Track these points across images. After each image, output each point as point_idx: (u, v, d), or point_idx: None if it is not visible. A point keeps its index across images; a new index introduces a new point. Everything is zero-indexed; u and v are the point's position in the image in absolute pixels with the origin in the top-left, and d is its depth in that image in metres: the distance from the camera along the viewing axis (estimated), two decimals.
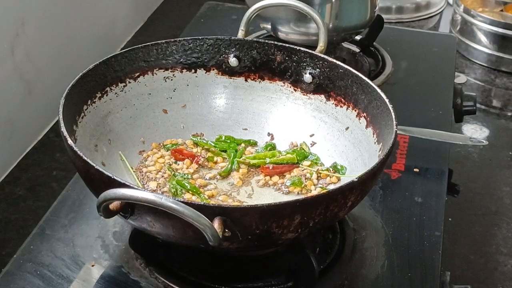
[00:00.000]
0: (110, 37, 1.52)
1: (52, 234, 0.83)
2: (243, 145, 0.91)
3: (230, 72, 0.94)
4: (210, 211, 0.63)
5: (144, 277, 0.78)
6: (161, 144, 0.90)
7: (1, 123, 1.16)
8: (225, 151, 0.90)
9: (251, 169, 0.88)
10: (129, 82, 0.89)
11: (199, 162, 0.88)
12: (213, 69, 0.93)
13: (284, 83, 0.93)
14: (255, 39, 0.94)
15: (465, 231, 1.12)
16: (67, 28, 1.33)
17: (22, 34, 1.18)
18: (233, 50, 0.93)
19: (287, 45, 0.92)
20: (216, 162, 0.89)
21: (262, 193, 0.85)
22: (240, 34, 0.96)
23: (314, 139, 0.91)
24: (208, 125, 0.93)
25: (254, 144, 0.92)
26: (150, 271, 0.78)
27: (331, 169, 0.87)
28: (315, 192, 0.84)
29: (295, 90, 0.93)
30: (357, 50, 1.28)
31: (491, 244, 1.10)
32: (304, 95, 0.92)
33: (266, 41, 0.93)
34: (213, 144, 0.91)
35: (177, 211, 0.60)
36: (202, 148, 0.90)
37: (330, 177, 0.86)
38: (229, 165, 0.87)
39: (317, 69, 0.90)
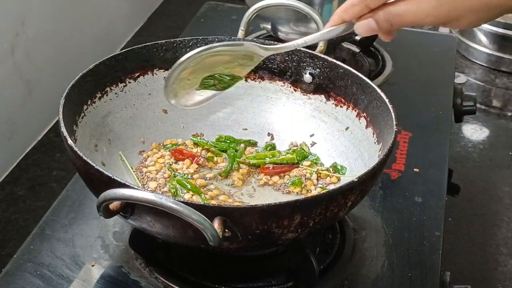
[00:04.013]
0: (110, 37, 1.52)
1: (52, 234, 0.83)
2: (243, 145, 0.91)
3: None
4: (210, 211, 0.63)
5: (144, 277, 0.78)
6: (161, 144, 0.90)
7: (1, 123, 1.16)
8: (225, 151, 0.90)
9: (251, 169, 0.88)
10: (129, 82, 0.89)
11: (199, 162, 0.88)
12: None
13: (284, 83, 0.93)
14: (255, 39, 0.94)
15: (465, 231, 1.13)
16: (67, 28, 1.33)
17: (22, 34, 1.18)
18: None
19: None
20: (216, 162, 0.89)
21: (262, 193, 0.85)
22: (240, 34, 0.96)
23: (314, 139, 0.91)
24: (208, 125, 0.93)
25: (254, 144, 0.92)
26: (150, 271, 0.78)
27: (331, 169, 0.87)
28: (315, 192, 0.84)
29: (295, 90, 0.93)
30: (357, 50, 1.28)
31: (491, 244, 1.10)
32: (304, 95, 0.92)
33: (266, 41, 0.93)
34: (213, 144, 0.91)
35: (177, 211, 0.60)
36: (202, 148, 0.90)
37: (330, 177, 0.86)
38: (229, 165, 0.87)
39: (317, 69, 0.90)
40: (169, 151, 0.89)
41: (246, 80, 0.94)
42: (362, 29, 0.70)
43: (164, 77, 0.91)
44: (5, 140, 1.17)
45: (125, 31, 1.60)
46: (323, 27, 0.74)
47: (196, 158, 0.88)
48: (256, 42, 0.79)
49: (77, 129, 0.79)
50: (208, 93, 0.81)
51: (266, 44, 0.82)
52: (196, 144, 0.91)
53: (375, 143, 0.81)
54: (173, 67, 0.76)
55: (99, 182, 0.67)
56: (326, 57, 0.89)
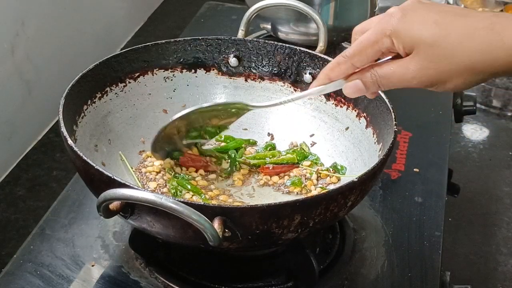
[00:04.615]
0: (110, 37, 1.52)
1: (52, 234, 0.83)
2: (243, 145, 0.91)
3: (230, 72, 0.94)
4: (210, 211, 0.63)
5: (144, 277, 0.78)
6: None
7: (1, 123, 1.16)
8: (226, 151, 0.90)
9: (251, 169, 0.88)
10: (129, 82, 0.89)
11: (209, 169, 0.86)
12: (213, 69, 0.93)
13: (284, 83, 0.93)
14: (255, 39, 0.94)
15: (465, 231, 1.12)
16: (67, 28, 1.33)
17: (22, 34, 1.18)
18: (233, 50, 0.93)
19: (287, 45, 0.92)
20: (220, 164, 0.88)
21: (262, 193, 0.85)
22: (240, 34, 0.96)
23: (314, 139, 0.91)
24: None
25: (253, 143, 0.92)
26: (150, 271, 0.78)
27: (331, 169, 0.87)
28: (315, 192, 0.84)
29: (295, 90, 0.93)
30: None
31: (491, 244, 1.10)
32: None
33: (266, 41, 0.93)
34: (215, 151, 0.89)
35: (177, 211, 0.60)
36: (205, 156, 0.89)
37: (330, 177, 0.86)
38: (231, 166, 0.87)
39: (317, 69, 0.90)
40: (177, 160, 0.86)
41: (246, 80, 0.94)
42: (350, 90, 0.69)
43: (164, 77, 0.92)
44: (5, 140, 1.17)
45: (125, 31, 1.60)
46: (310, 87, 0.73)
47: (206, 165, 0.86)
48: (244, 102, 0.81)
49: (77, 129, 0.79)
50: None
51: (254, 102, 0.83)
52: (201, 154, 0.89)
53: (375, 143, 0.81)
54: (161, 128, 0.79)
55: (99, 182, 0.67)
56: (326, 57, 0.89)
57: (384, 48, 0.65)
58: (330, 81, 0.70)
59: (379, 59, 0.67)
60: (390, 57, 0.66)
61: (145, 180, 0.84)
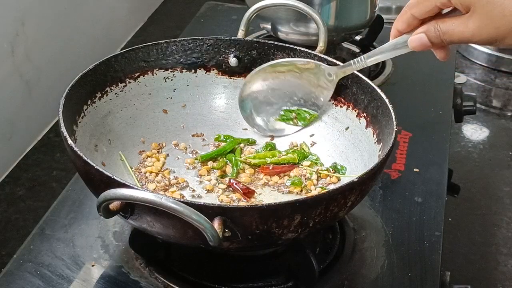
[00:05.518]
0: (110, 37, 1.52)
1: (52, 234, 0.83)
2: (240, 144, 0.91)
3: (230, 72, 0.94)
4: (210, 211, 0.63)
5: (144, 277, 0.78)
6: (161, 144, 0.90)
7: (1, 123, 1.16)
8: (224, 153, 0.89)
9: (256, 170, 0.88)
10: (129, 82, 0.89)
11: (253, 196, 0.84)
12: (213, 69, 0.93)
13: None
14: (255, 39, 0.94)
15: (465, 231, 1.13)
16: (67, 28, 1.33)
17: (22, 34, 1.18)
18: (233, 50, 0.93)
19: (287, 45, 0.92)
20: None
21: (262, 193, 0.85)
22: (240, 34, 0.96)
23: (314, 139, 0.91)
24: (208, 125, 0.93)
25: (253, 142, 0.92)
26: (150, 271, 0.78)
27: (331, 169, 0.87)
28: (315, 192, 0.84)
29: None
30: (357, 50, 1.28)
31: (491, 244, 1.10)
32: None
33: (266, 41, 0.93)
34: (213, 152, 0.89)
35: (177, 211, 0.60)
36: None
37: (330, 177, 0.86)
38: (234, 169, 0.86)
39: None
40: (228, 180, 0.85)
41: None
42: (415, 43, 0.71)
43: (164, 77, 0.92)
44: (5, 140, 1.17)
45: (125, 31, 1.60)
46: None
47: (250, 192, 0.83)
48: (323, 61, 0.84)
49: (77, 129, 0.79)
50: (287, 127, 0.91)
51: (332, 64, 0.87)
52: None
53: (375, 143, 0.81)
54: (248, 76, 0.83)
55: (99, 182, 0.67)
56: (326, 57, 0.89)
57: (439, 3, 0.67)
58: (400, 33, 0.73)
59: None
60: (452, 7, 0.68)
61: (145, 181, 0.84)
